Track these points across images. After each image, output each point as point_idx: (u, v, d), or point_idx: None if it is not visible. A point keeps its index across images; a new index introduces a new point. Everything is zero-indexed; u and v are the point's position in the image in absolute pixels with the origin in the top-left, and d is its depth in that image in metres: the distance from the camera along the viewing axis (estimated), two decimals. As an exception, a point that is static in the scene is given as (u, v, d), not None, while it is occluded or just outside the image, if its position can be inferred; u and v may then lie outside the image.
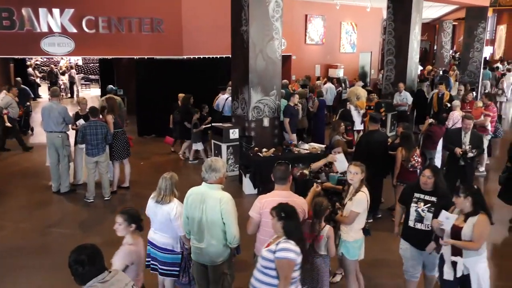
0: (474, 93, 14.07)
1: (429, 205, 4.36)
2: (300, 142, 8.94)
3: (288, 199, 3.89)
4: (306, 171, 5.75)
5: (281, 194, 3.91)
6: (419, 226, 4.42)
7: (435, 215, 4.15)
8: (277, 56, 8.89)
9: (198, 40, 13.35)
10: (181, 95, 10.59)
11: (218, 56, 13.50)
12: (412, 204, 4.45)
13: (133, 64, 13.67)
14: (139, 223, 3.70)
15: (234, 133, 8.98)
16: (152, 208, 4.33)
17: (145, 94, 12.64)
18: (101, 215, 7.34)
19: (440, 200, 4.28)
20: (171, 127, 10.74)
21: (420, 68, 24.22)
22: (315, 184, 4.54)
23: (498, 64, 24.11)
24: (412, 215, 4.46)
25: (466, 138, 6.96)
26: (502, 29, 33.83)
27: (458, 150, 6.87)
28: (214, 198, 3.81)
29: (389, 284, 5.33)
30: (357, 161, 4.57)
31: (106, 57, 15.32)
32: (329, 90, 13.94)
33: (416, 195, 4.45)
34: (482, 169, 9.19)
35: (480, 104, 9.39)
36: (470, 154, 6.83)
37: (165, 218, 4.27)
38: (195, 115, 9.84)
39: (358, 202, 4.22)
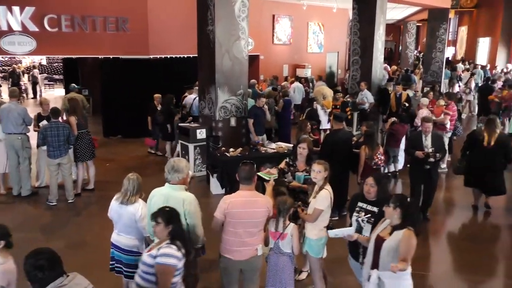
0: (438, 92, 14.52)
1: (369, 215, 4.15)
2: (267, 142, 8.98)
3: (253, 199, 3.93)
4: (273, 171, 5.78)
5: (246, 194, 3.92)
6: None
7: (374, 227, 3.98)
8: (243, 56, 8.90)
9: (164, 40, 13.21)
10: (156, 95, 10.47)
11: (185, 56, 13.40)
12: (354, 214, 4.27)
13: (98, 63, 13.41)
14: (8, 239, 3.47)
15: (201, 133, 8.94)
16: (116, 210, 4.26)
17: (110, 94, 12.42)
18: (64, 219, 7.16)
19: (381, 211, 3.91)
20: (150, 129, 10.56)
21: (388, 68, 24.77)
22: (271, 179, 4.57)
23: (460, 64, 24.89)
24: (353, 225, 4.23)
25: (428, 141, 6.75)
26: (463, 30, 34.92)
27: (419, 153, 6.66)
28: (177, 199, 3.78)
29: (353, 280, 5.39)
30: (321, 160, 4.61)
31: (70, 56, 14.96)
32: (296, 90, 14.05)
33: (360, 204, 4.26)
34: (443, 166, 9.47)
35: (442, 102, 9.68)
36: (431, 159, 6.62)
37: (130, 219, 4.22)
38: (176, 115, 9.79)
39: (322, 199, 4.28)
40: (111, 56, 12.83)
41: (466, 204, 7.79)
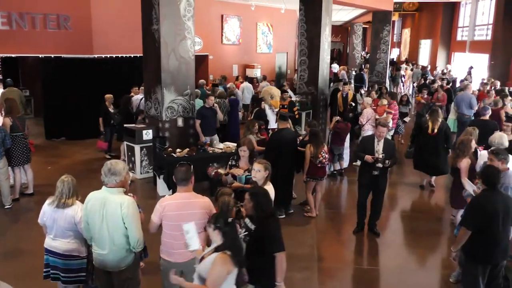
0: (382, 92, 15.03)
1: (246, 233, 3.86)
2: (215, 142, 8.95)
3: (191, 201, 3.90)
4: (221, 170, 5.77)
5: (183, 196, 3.89)
6: None
7: (248, 246, 3.71)
8: (190, 56, 8.82)
9: (109, 39, 12.88)
10: (108, 96, 10.15)
11: (132, 55, 13.12)
12: (240, 230, 4.01)
13: (39, 63, 12.85)
14: None
15: (148, 134, 8.79)
16: (50, 214, 4.11)
17: (52, 95, 11.92)
18: (1, 225, 6.80)
19: (256, 230, 3.72)
20: (102, 130, 10.20)
21: (337, 68, 25.42)
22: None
23: (404, 65, 25.92)
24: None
25: (379, 146, 6.36)
26: (406, 33, 36.42)
27: (369, 157, 6.24)
28: (115, 202, 3.69)
29: (298, 276, 5.52)
30: (263, 159, 4.66)
31: (8, 55, 14.23)
32: (246, 89, 14.11)
33: (246, 220, 4.00)
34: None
35: (384, 102, 10.03)
36: (379, 165, 6.22)
37: (68, 222, 4.10)
38: (140, 115, 9.54)
39: (260, 199, 4.30)
40: (52, 55, 12.32)
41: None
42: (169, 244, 3.92)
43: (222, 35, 17.36)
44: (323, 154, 6.89)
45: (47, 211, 4.14)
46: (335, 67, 25.40)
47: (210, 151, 8.25)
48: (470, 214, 4.32)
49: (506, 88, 14.16)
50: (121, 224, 3.68)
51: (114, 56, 13.06)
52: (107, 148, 10.23)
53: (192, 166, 4.03)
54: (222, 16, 17.24)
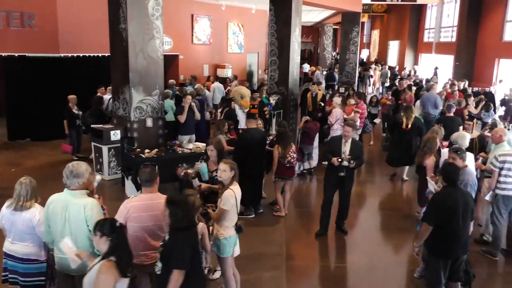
0: (346, 92, 15.26)
1: (162, 243, 3.64)
2: (184, 142, 8.90)
3: (156, 201, 3.86)
4: (190, 171, 5.72)
5: (148, 197, 3.85)
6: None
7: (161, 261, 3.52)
8: (158, 56, 8.73)
9: (76, 37, 12.61)
10: (71, 96, 9.92)
11: (100, 55, 12.88)
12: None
13: (2, 62, 12.46)
14: None
15: (116, 135, 8.65)
16: (8, 217, 4.00)
17: (16, 94, 11.57)
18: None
19: (167, 241, 3.51)
20: (67, 133, 9.96)
21: (308, 68, 25.65)
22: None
23: (373, 65, 26.38)
24: None
25: (347, 147, 6.32)
26: (375, 34, 37.13)
27: (335, 160, 6.21)
28: (78, 205, 3.62)
29: (267, 276, 5.55)
30: (228, 159, 4.66)
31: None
32: (216, 89, 14.06)
33: None
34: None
35: (352, 102, 10.19)
36: (345, 163, 6.17)
37: (26, 225, 3.99)
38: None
39: (225, 199, 4.30)
40: (16, 54, 11.97)
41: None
42: (135, 246, 3.86)
43: (192, 35, 17.26)
44: (291, 154, 6.95)
45: (5, 214, 4.03)
46: (306, 67, 25.64)
47: (180, 152, 8.19)
48: (431, 210, 4.45)
49: (470, 89, 14.62)
50: (84, 227, 3.62)
51: (81, 55, 12.80)
52: (72, 151, 9.98)
53: (156, 166, 3.99)
54: (192, 15, 17.13)
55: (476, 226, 6.38)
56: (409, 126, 8.82)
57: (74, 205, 3.62)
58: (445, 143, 7.59)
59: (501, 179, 5.86)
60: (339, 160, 6.19)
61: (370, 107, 11.64)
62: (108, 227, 3.17)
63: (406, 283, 5.57)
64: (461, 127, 8.59)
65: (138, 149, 8.10)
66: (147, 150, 8.03)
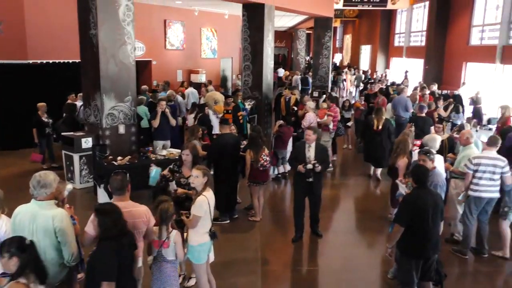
0: (324, 96, 15.43)
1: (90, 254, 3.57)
2: (157, 148, 8.82)
3: (129, 209, 3.81)
4: (165, 172, 5.62)
5: (120, 206, 3.78)
6: None
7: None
8: (130, 61, 8.63)
9: (45, 43, 12.35)
10: (40, 104, 9.69)
11: (71, 61, 12.64)
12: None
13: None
14: None
15: (87, 142, 8.50)
16: (-26, 229, 3.86)
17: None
18: None
19: (93, 252, 3.46)
20: (36, 141, 9.68)
21: (283, 72, 25.81)
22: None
23: (346, 69, 26.77)
24: None
25: (311, 152, 6.31)
26: (348, 38, 37.72)
27: (300, 168, 6.22)
28: (46, 216, 3.52)
29: (243, 281, 5.53)
30: (201, 165, 4.63)
31: None
32: (191, 95, 13.99)
33: None
34: (329, 165, 10.07)
35: (324, 105, 10.29)
36: (309, 166, 6.14)
37: None
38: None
39: (198, 206, 4.27)
40: (-19, 61, 11.65)
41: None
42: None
43: (165, 40, 17.15)
44: (264, 158, 6.95)
45: (-28, 226, 3.89)
46: (281, 72, 25.80)
47: (153, 158, 8.11)
48: (402, 211, 4.52)
49: (438, 91, 14.98)
50: (53, 238, 3.53)
51: (50, 61, 12.54)
52: (42, 160, 9.73)
53: (128, 174, 3.94)
54: (165, 21, 17.03)
55: (447, 226, 6.52)
56: (380, 127, 9.19)
57: (42, 216, 3.53)
58: (417, 142, 7.83)
59: (474, 181, 5.99)
60: (304, 166, 6.18)
61: (343, 111, 11.79)
62: (15, 246, 3.04)
63: (380, 284, 5.64)
64: (432, 128, 8.84)
65: (111, 157, 7.98)
66: (119, 158, 7.92)
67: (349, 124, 11.94)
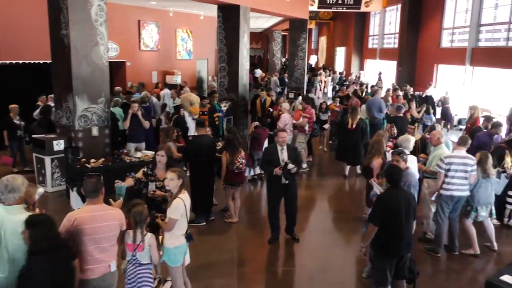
0: (300, 97, 15.52)
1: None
2: (132, 151, 8.71)
3: (103, 212, 3.75)
4: (139, 175, 5.54)
5: (93, 209, 3.72)
6: None
7: None
8: (103, 62, 8.50)
9: (15, 44, 12.03)
10: (12, 106, 9.44)
11: (42, 62, 12.36)
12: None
13: None
14: None
15: (59, 145, 8.33)
16: None
17: None
18: None
19: (24, 268, 3.34)
20: (7, 144, 9.44)
21: (259, 73, 25.84)
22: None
23: (321, 71, 27.00)
24: None
25: (284, 154, 6.27)
26: (323, 40, 38.08)
27: (277, 171, 6.13)
28: (14, 222, 3.42)
29: (219, 283, 5.51)
30: (176, 168, 4.59)
31: None
32: (166, 96, 13.86)
33: None
34: (304, 165, 10.14)
35: (299, 107, 10.36)
36: (290, 165, 6.08)
37: None
38: None
39: (174, 208, 4.24)
40: None
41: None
42: (80, 260, 3.72)
43: (140, 41, 16.94)
44: (239, 160, 6.94)
45: None
46: (258, 72, 25.85)
47: (127, 160, 8.01)
48: (376, 211, 4.59)
49: (411, 93, 15.28)
50: (22, 244, 3.43)
51: (20, 62, 12.23)
52: (13, 163, 9.48)
53: (101, 177, 3.87)
54: (139, 21, 16.83)
55: (419, 225, 6.65)
56: (354, 126, 9.50)
57: (10, 222, 3.43)
58: (389, 143, 7.99)
59: (447, 180, 6.11)
60: (284, 167, 6.12)
61: (320, 113, 11.90)
62: None
63: (355, 283, 5.70)
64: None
65: (84, 159, 7.84)
66: (93, 160, 7.79)
67: (326, 126, 12.04)
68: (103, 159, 7.84)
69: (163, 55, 18.15)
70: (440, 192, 6.20)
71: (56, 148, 8.30)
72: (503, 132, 9.07)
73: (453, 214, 6.32)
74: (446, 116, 14.53)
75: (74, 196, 7.60)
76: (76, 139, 8.30)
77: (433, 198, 6.43)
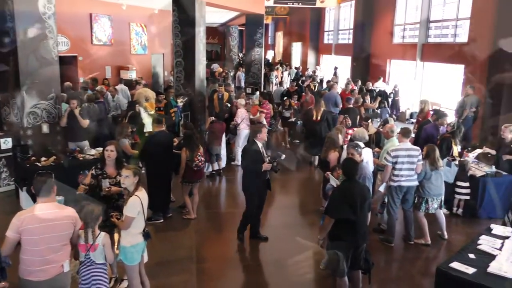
0: (258, 93, 15.56)
1: None
2: (86, 148, 8.42)
3: (54, 211, 3.62)
4: (87, 180, 5.39)
5: (45, 207, 3.58)
6: None
7: None
8: (53, 57, 8.17)
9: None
10: None
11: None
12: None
13: None
14: None
15: (6, 143, 7.96)
16: None
17: None
18: None
19: None
20: None
21: (217, 67, 25.68)
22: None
23: (278, 66, 27.14)
24: None
25: (263, 149, 6.32)
26: (279, 36, 38.30)
27: (266, 165, 6.15)
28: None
29: (177, 280, 5.47)
30: (131, 165, 4.50)
31: None
32: (121, 92, 13.51)
33: None
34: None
35: (256, 102, 10.39)
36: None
37: None
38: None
39: (131, 206, 4.15)
40: None
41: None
42: (29, 261, 3.59)
43: (92, 35, 16.37)
44: (199, 157, 6.88)
45: None
46: (216, 67, 25.68)
47: (80, 158, 7.75)
48: (332, 203, 4.68)
49: (364, 87, 15.67)
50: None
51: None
52: None
53: (53, 175, 3.73)
54: (90, 15, 16.26)
55: (374, 216, 6.84)
56: (319, 118, 9.87)
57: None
58: (350, 131, 8.47)
59: (395, 172, 6.31)
60: (274, 160, 6.18)
61: (283, 110, 12.02)
62: None
63: (313, 275, 5.80)
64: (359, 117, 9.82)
65: (33, 158, 7.53)
66: (43, 158, 7.50)
67: (292, 119, 12.17)
68: (54, 157, 7.55)
69: (116, 50, 17.63)
70: (389, 183, 6.40)
71: (3, 146, 7.93)
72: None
73: (405, 205, 6.54)
74: (394, 107, 15.38)
75: (24, 196, 7.30)
76: (24, 136, 7.95)
77: (380, 189, 6.61)
